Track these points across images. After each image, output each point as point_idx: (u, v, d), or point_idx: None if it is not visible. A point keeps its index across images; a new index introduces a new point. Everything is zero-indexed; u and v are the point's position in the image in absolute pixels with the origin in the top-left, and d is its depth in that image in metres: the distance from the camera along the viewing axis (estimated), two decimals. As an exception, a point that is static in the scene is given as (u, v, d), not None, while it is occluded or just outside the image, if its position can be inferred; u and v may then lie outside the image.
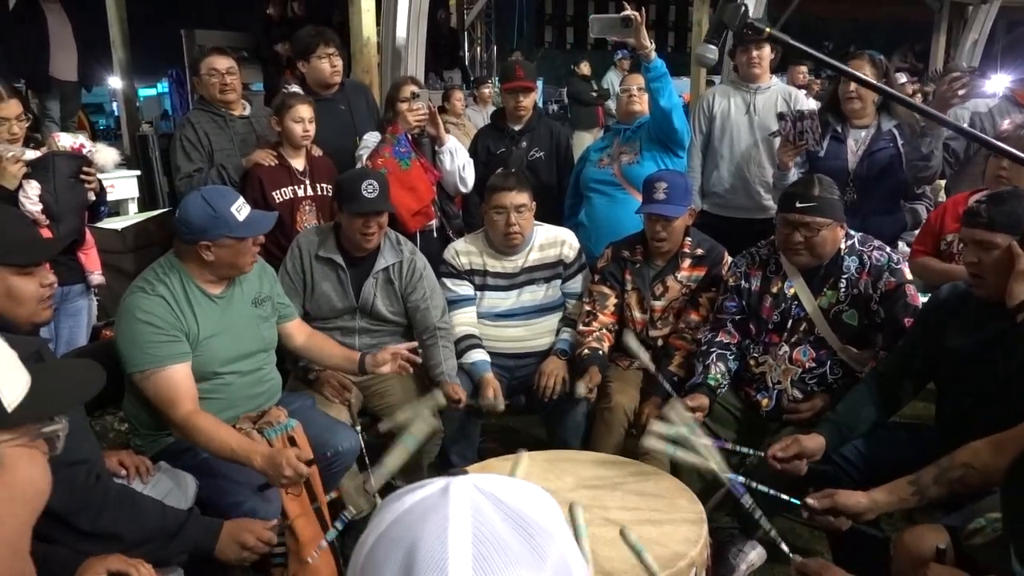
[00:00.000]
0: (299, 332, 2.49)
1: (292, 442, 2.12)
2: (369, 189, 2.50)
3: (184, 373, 2.06)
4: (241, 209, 2.11)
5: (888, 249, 2.33)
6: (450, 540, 0.56)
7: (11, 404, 0.68)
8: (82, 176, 2.79)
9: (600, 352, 2.65)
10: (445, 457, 2.67)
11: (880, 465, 1.96)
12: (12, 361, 0.70)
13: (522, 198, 2.72)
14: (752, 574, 2.36)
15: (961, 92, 2.67)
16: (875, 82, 2.24)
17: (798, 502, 1.79)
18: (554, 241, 2.85)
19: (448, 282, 2.80)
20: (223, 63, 3.15)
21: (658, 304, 2.71)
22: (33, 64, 5.87)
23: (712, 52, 1.53)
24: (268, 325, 2.35)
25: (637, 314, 2.74)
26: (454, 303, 2.78)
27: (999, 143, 1.73)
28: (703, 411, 2.33)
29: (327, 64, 3.30)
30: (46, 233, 2.64)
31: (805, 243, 2.26)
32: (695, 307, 2.68)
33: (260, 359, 2.30)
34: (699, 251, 2.70)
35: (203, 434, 2.00)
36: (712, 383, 2.39)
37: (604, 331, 2.70)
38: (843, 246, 2.31)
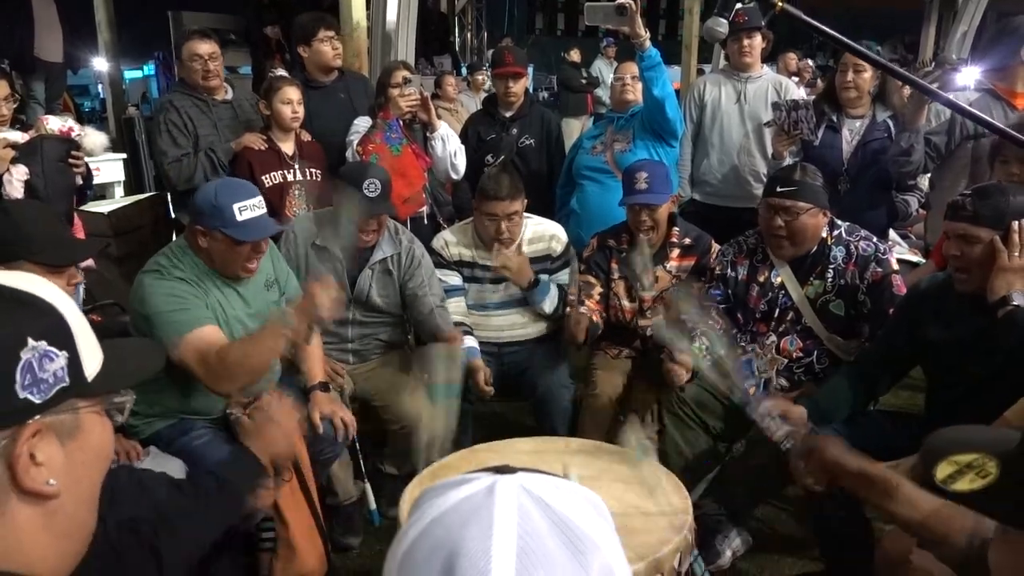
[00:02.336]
0: None
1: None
2: (371, 188, 2.45)
3: (215, 329, 2.02)
4: (245, 210, 2.05)
5: (875, 239, 2.35)
6: (494, 550, 0.53)
7: (91, 375, 0.74)
8: (70, 160, 2.76)
9: (591, 318, 2.62)
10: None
11: (868, 455, 1.97)
12: (92, 336, 0.76)
13: (515, 206, 2.68)
14: (737, 560, 2.39)
15: (934, 86, 2.68)
16: (887, 62, 2.19)
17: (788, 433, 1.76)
18: (543, 235, 2.85)
19: (437, 272, 2.78)
20: (205, 48, 3.10)
21: (648, 294, 2.72)
22: (18, 45, 5.79)
23: (722, 25, 1.53)
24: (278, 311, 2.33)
25: (626, 303, 2.74)
26: (444, 292, 2.77)
27: (1002, 126, 1.73)
28: (688, 368, 2.33)
29: (328, 47, 3.31)
30: None
31: (786, 228, 2.27)
32: (686, 298, 2.68)
33: None
34: (687, 240, 2.70)
35: (238, 352, 1.94)
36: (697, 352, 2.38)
37: (594, 312, 2.70)
38: (830, 236, 2.33)
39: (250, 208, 2.08)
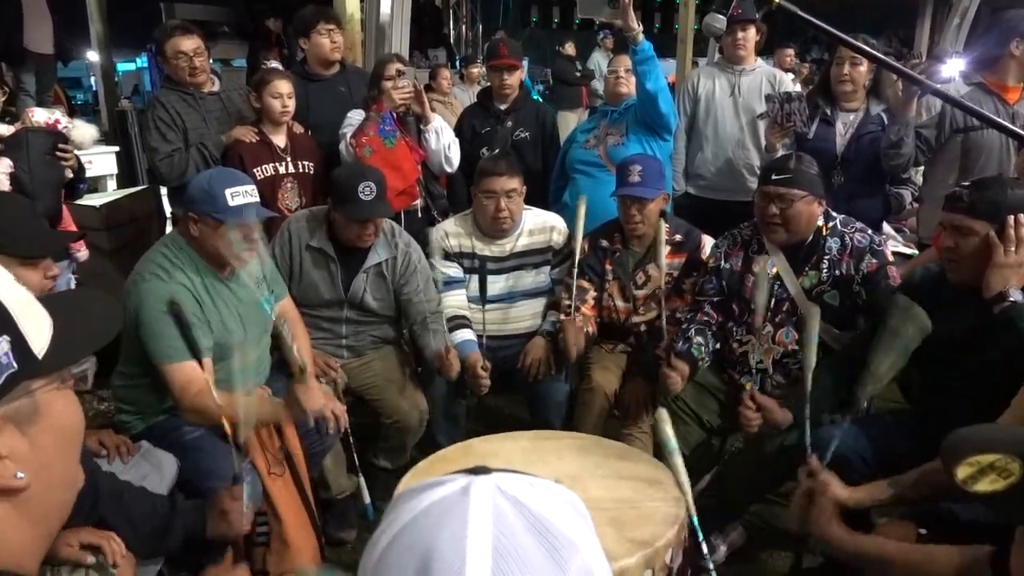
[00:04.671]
0: (282, 314, 2.45)
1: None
2: (366, 191, 2.42)
3: (199, 366, 2.03)
4: (237, 196, 2.05)
5: (870, 231, 2.35)
6: (468, 551, 0.52)
7: (41, 351, 0.68)
8: (58, 153, 2.74)
9: (586, 330, 2.64)
10: (431, 438, 2.68)
11: (881, 455, 1.97)
12: (32, 304, 0.70)
13: (513, 183, 2.70)
14: (732, 555, 2.40)
15: (921, 78, 2.68)
16: (882, 56, 2.16)
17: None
18: (544, 227, 2.84)
19: (437, 262, 2.77)
20: (190, 44, 3.05)
21: (641, 292, 2.71)
22: (6, 37, 5.73)
23: (720, 21, 1.54)
24: (269, 307, 2.32)
25: (620, 303, 2.73)
26: (443, 284, 2.74)
27: (997, 119, 1.72)
28: (684, 376, 2.33)
29: (327, 40, 3.29)
30: None
31: (780, 216, 2.27)
32: (679, 294, 2.67)
33: (263, 343, 2.29)
34: (678, 236, 2.69)
35: (214, 407, 1.96)
36: (695, 353, 2.39)
37: (588, 319, 2.69)
38: (825, 227, 2.33)
39: (242, 194, 2.07)
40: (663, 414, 1.75)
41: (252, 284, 2.24)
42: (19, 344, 0.66)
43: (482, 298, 2.79)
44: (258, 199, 2.15)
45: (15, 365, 0.66)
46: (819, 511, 1.65)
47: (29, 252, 1.68)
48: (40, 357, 0.68)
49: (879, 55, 2.06)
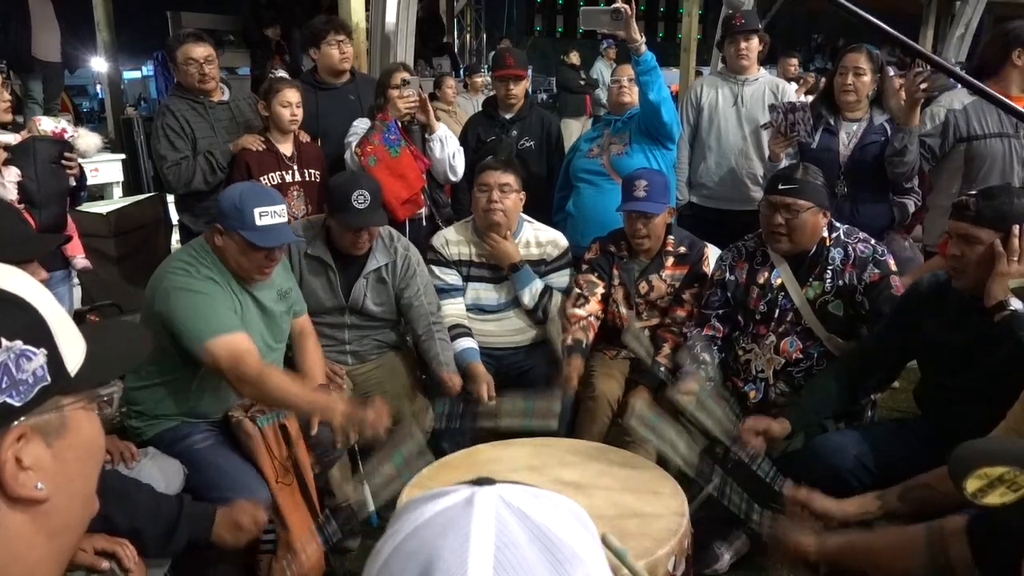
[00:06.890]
0: (298, 329, 2.46)
1: (284, 430, 2.12)
2: (360, 200, 2.44)
3: (245, 336, 2.04)
4: (265, 215, 2.07)
5: (873, 241, 2.36)
6: (470, 563, 0.51)
7: (74, 370, 0.70)
8: (63, 162, 2.76)
9: (583, 343, 2.64)
10: (437, 445, 2.68)
11: (884, 463, 1.97)
12: (69, 323, 0.72)
13: (507, 178, 2.71)
14: (735, 564, 2.39)
15: (924, 86, 2.70)
16: (932, 56, 2.16)
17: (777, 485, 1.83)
18: (541, 240, 2.85)
19: (436, 270, 2.78)
20: (200, 51, 3.07)
21: (643, 301, 2.72)
22: (15, 44, 5.78)
23: None
24: (287, 319, 2.33)
25: (623, 310, 2.74)
26: (442, 292, 2.76)
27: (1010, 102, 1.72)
28: (696, 393, 2.34)
29: (336, 51, 3.31)
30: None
31: (786, 225, 2.29)
32: (680, 304, 2.68)
33: (277, 354, 2.30)
34: (682, 248, 2.70)
35: (278, 387, 1.99)
36: (704, 375, 2.39)
37: (591, 319, 2.70)
38: (829, 238, 2.34)
39: (271, 214, 2.09)
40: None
41: (275, 296, 2.26)
42: (54, 359, 0.68)
43: (480, 306, 2.80)
44: (287, 219, 2.16)
45: (48, 379, 0.67)
46: (789, 539, 1.62)
47: (14, 258, 1.69)
48: (73, 374, 0.70)
49: (929, 53, 2.06)
